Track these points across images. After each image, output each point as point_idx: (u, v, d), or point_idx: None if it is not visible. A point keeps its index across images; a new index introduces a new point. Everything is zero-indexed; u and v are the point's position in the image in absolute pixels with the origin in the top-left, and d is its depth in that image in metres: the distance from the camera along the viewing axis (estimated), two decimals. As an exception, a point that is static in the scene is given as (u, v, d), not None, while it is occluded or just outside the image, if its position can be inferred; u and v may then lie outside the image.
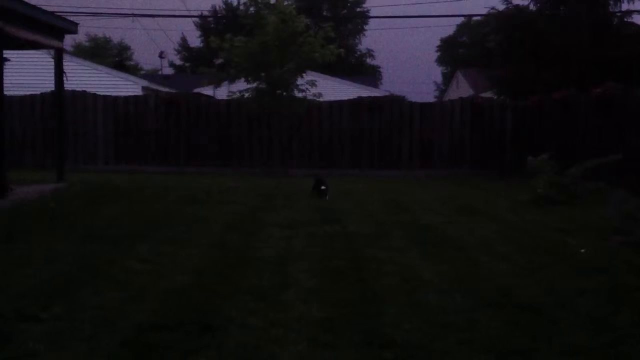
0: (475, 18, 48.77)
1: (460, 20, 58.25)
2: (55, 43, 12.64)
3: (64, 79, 13.09)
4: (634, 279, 6.13)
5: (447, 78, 60.53)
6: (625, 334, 4.55)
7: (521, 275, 6.24)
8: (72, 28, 13.12)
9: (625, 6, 20.85)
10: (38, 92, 18.42)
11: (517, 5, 21.85)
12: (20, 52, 14.69)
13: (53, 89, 16.66)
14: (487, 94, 23.16)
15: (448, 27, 69.18)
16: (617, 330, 4.62)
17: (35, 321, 4.52)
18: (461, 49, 61.20)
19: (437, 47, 65.18)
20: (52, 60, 13.35)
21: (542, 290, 5.70)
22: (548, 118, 17.01)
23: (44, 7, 12.23)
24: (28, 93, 18.38)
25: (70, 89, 15.84)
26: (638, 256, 6.83)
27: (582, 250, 7.27)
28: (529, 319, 4.86)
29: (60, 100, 13.38)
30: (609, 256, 7.00)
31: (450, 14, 67.33)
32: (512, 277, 6.18)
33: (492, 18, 23.56)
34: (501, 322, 4.77)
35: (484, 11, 25.14)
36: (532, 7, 21.90)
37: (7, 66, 11.59)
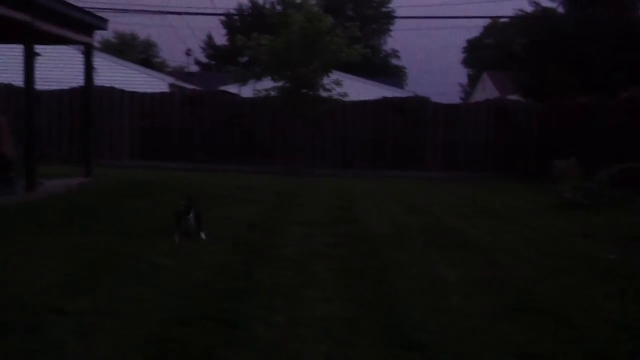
0: (502, 20, 48.43)
1: (486, 21, 57.87)
2: (84, 39, 12.78)
3: (93, 74, 13.21)
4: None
5: (473, 80, 60.18)
6: (650, 341, 4.51)
7: (545, 280, 6.20)
8: (102, 24, 13.26)
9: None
10: (65, 87, 18.61)
11: (545, 8, 21.66)
12: (47, 46, 14.85)
13: (79, 84, 16.90)
14: (514, 97, 23.00)
15: (474, 29, 68.79)
16: (642, 338, 4.58)
17: (62, 313, 4.58)
18: (487, 51, 60.82)
19: (463, 48, 64.83)
20: (79, 55, 13.50)
21: (566, 295, 5.67)
22: (573, 122, 16.87)
23: (74, 3, 12.36)
24: (55, 88, 18.57)
25: (97, 84, 16.00)
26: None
27: (612, 257, 7.20)
28: (553, 323, 4.84)
29: (88, 95, 13.53)
30: (634, 262, 6.94)
31: (476, 15, 66.99)
32: (536, 281, 6.15)
33: (519, 20, 23.39)
34: (525, 327, 4.75)
35: (511, 13, 24.95)
36: (560, 9, 21.71)
37: (37, 60, 11.73)
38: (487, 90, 41.67)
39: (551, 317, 4.97)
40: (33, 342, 4.05)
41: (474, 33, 62.16)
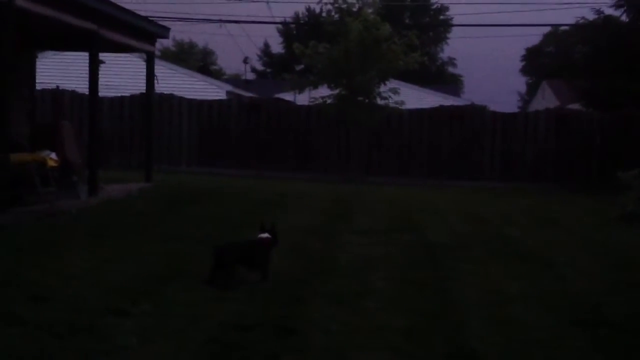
0: (562, 28, 47.48)
1: (547, 29, 56.85)
2: (147, 47, 13.06)
3: (155, 82, 13.48)
4: None
5: (532, 88, 59.17)
6: None
7: (609, 294, 6.03)
8: (164, 33, 13.54)
9: None
10: (127, 94, 19.04)
11: (607, 16, 21.17)
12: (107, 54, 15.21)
13: (138, 91, 17.28)
14: (574, 106, 22.51)
15: (534, 37, 67.58)
16: None
17: (125, 316, 4.67)
18: (547, 59, 59.73)
19: (522, 56, 63.83)
20: (138, 62, 13.79)
21: (632, 309, 5.50)
22: (637, 132, 16.40)
23: (138, 12, 12.66)
24: (117, 95, 19.01)
25: (158, 92, 16.33)
26: None
27: None
28: (618, 338, 4.70)
29: (150, 102, 13.81)
30: None
31: (536, 23, 65.86)
32: (599, 295, 5.98)
33: (581, 28, 22.91)
34: (588, 341, 4.63)
35: (572, 20, 24.44)
36: (624, 18, 21.18)
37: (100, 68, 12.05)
38: (546, 99, 40.90)
39: (617, 332, 4.83)
40: (97, 342, 4.14)
41: (533, 41, 61.12)
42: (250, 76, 53.28)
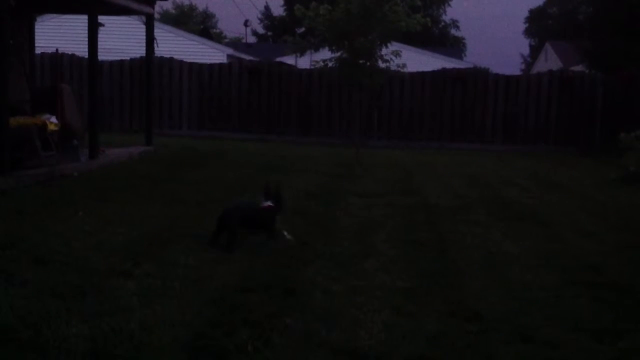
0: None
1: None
2: (146, 9, 12.91)
3: (155, 45, 13.36)
4: None
5: (535, 51, 58.70)
6: None
7: (609, 254, 6.06)
8: (163, -5, 13.37)
9: None
10: (126, 58, 18.90)
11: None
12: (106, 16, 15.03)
13: (138, 55, 17.14)
14: (578, 68, 22.35)
15: (536, -2, 66.78)
16: None
17: (127, 277, 4.70)
18: (550, 21, 59.13)
19: (526, 18, 63.21)
20: (138, 26, 13.65)
21: (631, 269, 5.54)
22: (639, 94, 16.31)
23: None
24: (116, 59, 18.87)
25: (157, 55, 16.20)
26: None
27: None
28: (618, 298, 4.73)
29: (149, 65, 13.69)
30: None
31: (539, -16, 64.91)
32: (599, 255, 6.01)
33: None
34: (589, 300, 4.66)
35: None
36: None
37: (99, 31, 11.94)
38: (549, 61, 40.60)
39: (616, 292, 4.86)
40: (100, 304, 4.17)
41: (537, 2, 60.49)
42: (251, 39, 52.87)
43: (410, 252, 5.88)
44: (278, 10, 59.52)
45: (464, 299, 4.58)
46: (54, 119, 9.94)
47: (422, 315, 4.26)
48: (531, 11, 62.09)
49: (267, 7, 60.21)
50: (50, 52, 17.08)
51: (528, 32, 64.13)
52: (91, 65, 11.13)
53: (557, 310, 4.42)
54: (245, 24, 44.54)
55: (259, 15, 59.90)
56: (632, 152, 11.47)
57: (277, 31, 55.83)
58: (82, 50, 12.81)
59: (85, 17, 10.89)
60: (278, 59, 25.10)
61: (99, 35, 11.09)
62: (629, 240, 6.66)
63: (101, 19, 11.87)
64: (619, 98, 17.40)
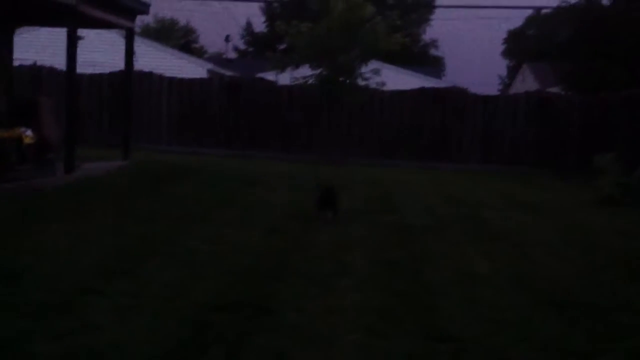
0: (544, 11, 47.55)
1: (529, 12, 56.89)
2: (126, 23, 12.89)
3: (134, 59, 13.33)
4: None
5: (513, 71, 59.35)
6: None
7: (581, 276, 6.12)
8: (144, 9, 13.35)
9: None
10: (105, 71, 18.83)
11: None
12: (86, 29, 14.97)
13: (117, 68, 17.07)
14: (554, 89, 22.63)
15: (516, 20, 67.75)
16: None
17: (99, 295, 4.66)
18: (529, 42, 59.86)
19: (504, 39, 63.91)
20: (118, 39, 13.62)
21: (602, 291, 5.58)
22: (615, 116, 16.54)
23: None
24: (95, 72, 18.78)
25: (137, 69, 16.16)
26: None
27: None
28: (589, 319, 4.77)
29: (128, 79, 13.65)
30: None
31: (519, 5, 65.76)
32: (571, 277, 6.07)
33: (563, 11, 22.99)
34: (559, 322, 4.70)
35: (555, 4, 24.49)
36: (605, 1, 21.29)
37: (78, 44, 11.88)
38: (526, 82, 41.05)
39: (587, 313, 4.90)
40: (71, 321, 4.12)
41: (516, 24, 61.21)
42: (232, 55, 52.88)
43: (385, 271, 5.89)
44: (260, 26, 59.70)
45: (437, 320, 4.60)
46: (29, 132, 9.87)
47: (395, 336, 4.26)
48: (509, 32, 62.82)
49: (249, 23, 60.35)
50: (28, 64, 17.00)
51: (506, 53, 64.84)
52: (69, 79, 11.06)
53: (528, 332, 4.45)
54: (227, 39, 44.60)
55: (241, 31, 60.03)
56: (606, 174, 11.61)
57: (259, 47, 55.95)
58: (61, 63, 12.74)
59: (65, 30, 10.85)
60: (259, 75, 25.14)
61: (81, 48, 11.04)
62: (601, 262, 6.73)
63: (82, 32, 11.85)
64: (595, 120, 17.63)
